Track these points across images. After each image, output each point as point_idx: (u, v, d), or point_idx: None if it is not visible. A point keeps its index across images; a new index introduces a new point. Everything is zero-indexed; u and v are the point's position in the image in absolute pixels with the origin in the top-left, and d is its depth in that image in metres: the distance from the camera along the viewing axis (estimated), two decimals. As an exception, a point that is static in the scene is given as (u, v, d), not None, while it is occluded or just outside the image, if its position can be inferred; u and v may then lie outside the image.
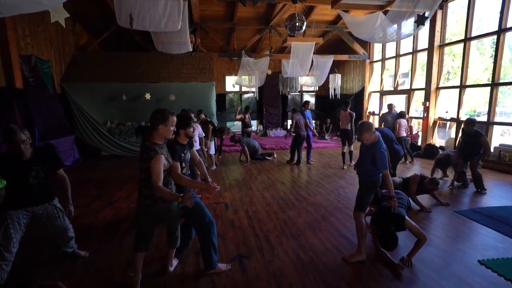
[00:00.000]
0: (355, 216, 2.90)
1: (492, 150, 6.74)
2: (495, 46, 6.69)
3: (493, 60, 6.73)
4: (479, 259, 2.84)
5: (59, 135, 6.92)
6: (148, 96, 8.75)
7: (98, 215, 4.14)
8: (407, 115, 9.25)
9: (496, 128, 7.11)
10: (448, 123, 8.33)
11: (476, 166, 4.95)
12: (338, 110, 7.34)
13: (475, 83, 9.94)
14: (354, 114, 6.71)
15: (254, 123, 13.58)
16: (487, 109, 6.90)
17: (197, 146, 5.12)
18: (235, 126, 12.69)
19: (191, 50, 7.88)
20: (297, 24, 5.77)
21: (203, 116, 6.85)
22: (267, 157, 7.94)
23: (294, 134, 7.16)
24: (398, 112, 7.52)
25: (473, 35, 7.19)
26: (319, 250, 3.07)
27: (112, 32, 8.82)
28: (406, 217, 2.86)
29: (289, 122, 13.75)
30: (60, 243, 2.86)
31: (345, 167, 6.82)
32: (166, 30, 5.21)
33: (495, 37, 6.66)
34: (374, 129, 2.81)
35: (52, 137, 6.61)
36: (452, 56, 13.71)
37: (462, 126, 5.28)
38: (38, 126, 6.20)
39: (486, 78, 12.83)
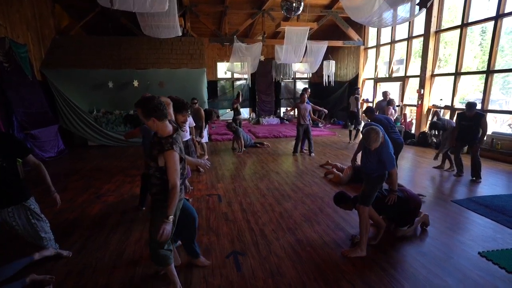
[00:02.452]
0: (359, 210, 2.77)
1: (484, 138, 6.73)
2: (491, 33, 6.56)
3: (481, 48, 6.61)
4: (479, 251, 2.78)
5: (41, 125, 6.57)
6: (136, 83, 8.38)
7: (84, 210, 3.93)
8: (400, 103, 9.21)
9: (489, 116, 7.07)
10: (442, 110, 8.27)
11: (477, 152, 4.87)
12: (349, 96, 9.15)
13: (465, 71, 9.86)
14: (358, 97, 8.44)
15: (246, 110, 13.36)
16: (482, 97, 6.83)
17: (187, 136, 4.90)
18: (227, 114, 12.46)
19: (180, 34, 7.54)
20: (294, 4, 5.47)
21: (196, 105, 6.53)
22: (258, 145, 7.83)
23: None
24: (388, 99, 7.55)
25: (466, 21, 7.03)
26: (317, 244, 2.95)
27: (96, 15, 8.35)
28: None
29: (282, 109, 13.58)
30: (38, 244, 2.64)
31: (350, 141, 8.23)
32: (152, 11, 4.88)
33: (484, 25, 6.52)
34: (381, 135, 2.65)
35: (33, 127, 6.27)
36: (444, 44, 13.63)
37: (459, 112, 5.17)
38: (17, 115, 5.85)
39: (475, 66, 12.80)
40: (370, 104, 10.75)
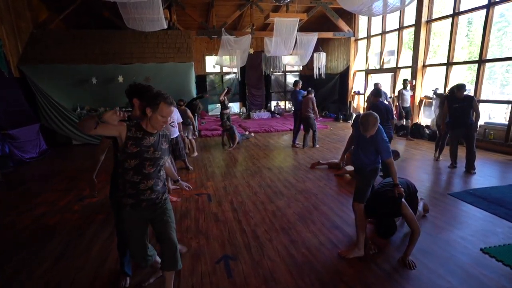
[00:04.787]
0: (354, 207, 2.62)
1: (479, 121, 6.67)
2: (482, 22, 6.47)
3: (468, 40, 6.54)
4: (481, 247, 2.67)
5: (20, 124, 6.23)
6: (121, 78, 8.05)
7: (65, 213, 3.69)
8: (392, 94, 9.12)
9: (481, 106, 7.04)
10: (434, 101, 8.20)
11: (474, 142, 4.77)
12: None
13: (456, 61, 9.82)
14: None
15: (237, 105, 13.12)
16: (474, 87, 6.77)
17: (176, 132, 4.68)
18: (217, 109, 12.19)
19: (165, 27, 7.22)
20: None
21: (183, 107, 6.26)
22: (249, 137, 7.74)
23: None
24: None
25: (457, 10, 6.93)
26: (313, 245, 2.80)
27: (77, 7, 7.94)
28: (403, 201, 2.59)
29: (273, 103, 13.39)
30: None
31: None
32: (133, 0, 4.57)
33: (471, 16, 6.43)
34: (378, 121, 2.49)
35: (12, 127, 5.94)
36: (432, 34, 13.62)
37: (448, 95, 5.08)
38: (-8, 115, 5.50)
39: (463, 57, 12.83)
40: (362, 97, 10.67)
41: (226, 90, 7.78)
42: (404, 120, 7.74)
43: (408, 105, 7.59)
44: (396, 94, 8.29)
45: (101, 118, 1.85)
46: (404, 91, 7.54)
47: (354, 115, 3.82)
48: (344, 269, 2.42)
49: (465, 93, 4.83)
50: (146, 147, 1.88)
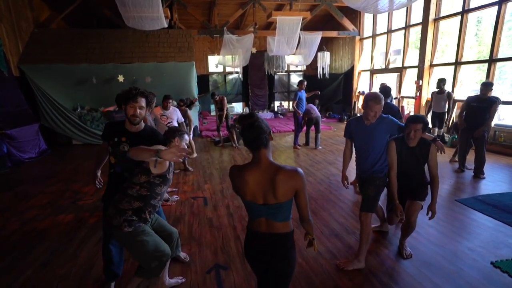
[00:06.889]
0: (362, 217, 2.42)
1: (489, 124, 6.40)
2: (493, 20, 6.23)
3: (477, 39, 6.27)
4: (492, 260, 2.47)
5: (18, 124, 6.17)
6: (121, 78, 7.97)
7: (56, 217, 3.58)
8: (397, 95, 8.89)
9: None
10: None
11: (484, 145, 4.52)
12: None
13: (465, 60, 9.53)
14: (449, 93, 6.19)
15: (239, 105, 12.98)
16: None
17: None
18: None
19: (166, 26, 7.12)
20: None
21: (183, 107, 6.15)
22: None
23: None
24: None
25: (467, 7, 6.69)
26: (310, 254, 2.62)
27: (78, 6, 7.89)
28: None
29: (276, 103, 13.23)
30: None
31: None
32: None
33: (479, 14, 6.19)
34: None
35: (10, 126, 5.88)
36: (440, 34, 13.31)
37: (470, 95, 4.78)
38: (-11, 114, 5.45)
39: (471, 57, 12.48)
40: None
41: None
42: (436, 129, 6.30)
43: (444, 110, 6.14)
44: (429, 96, 7.18)
45: (159, 154, 1.61)
46: (437, 94, 6.10)
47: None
48: (342, 282, 2.26)
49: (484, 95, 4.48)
50: (171, 173, 2.00)
